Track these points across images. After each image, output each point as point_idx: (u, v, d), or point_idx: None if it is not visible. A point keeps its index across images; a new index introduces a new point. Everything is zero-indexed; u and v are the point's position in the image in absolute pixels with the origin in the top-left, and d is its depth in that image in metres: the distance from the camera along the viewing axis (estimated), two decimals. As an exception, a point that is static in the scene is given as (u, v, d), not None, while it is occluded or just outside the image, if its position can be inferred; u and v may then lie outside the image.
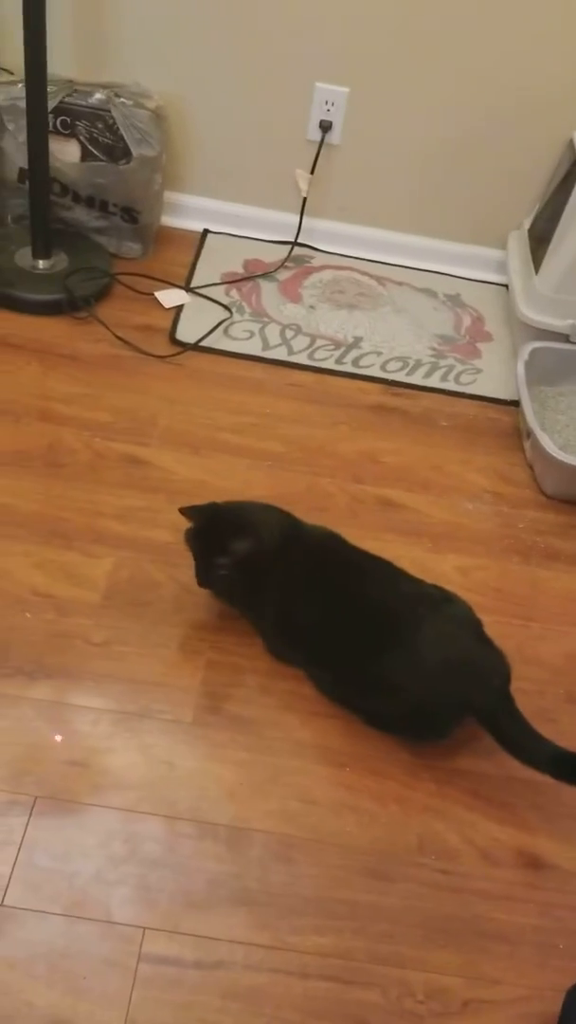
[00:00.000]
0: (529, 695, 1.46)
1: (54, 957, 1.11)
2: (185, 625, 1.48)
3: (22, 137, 1.96)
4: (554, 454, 1.74)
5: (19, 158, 2.05)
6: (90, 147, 2.07)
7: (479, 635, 1.38)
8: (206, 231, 2.35)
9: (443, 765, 1.36)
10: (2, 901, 1.14)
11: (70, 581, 1.51)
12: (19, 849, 1.19)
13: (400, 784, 1.33)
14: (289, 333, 2.10)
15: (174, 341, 2.01)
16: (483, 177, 2.24)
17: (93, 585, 1.51)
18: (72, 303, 2.01)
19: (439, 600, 1.40)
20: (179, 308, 2.10)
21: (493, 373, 2.10)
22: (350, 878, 1.22)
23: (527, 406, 1.86)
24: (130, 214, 2.15)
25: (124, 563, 1.55)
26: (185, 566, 1.55)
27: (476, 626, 1.39)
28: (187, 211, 2.34)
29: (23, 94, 1.86)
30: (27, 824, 1.21)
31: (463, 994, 1.14)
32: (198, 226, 2.36)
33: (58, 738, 1.30)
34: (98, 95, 2.03)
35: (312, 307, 2.19)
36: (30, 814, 1.22)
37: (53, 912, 1.14)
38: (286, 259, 2.30)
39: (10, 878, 1.16)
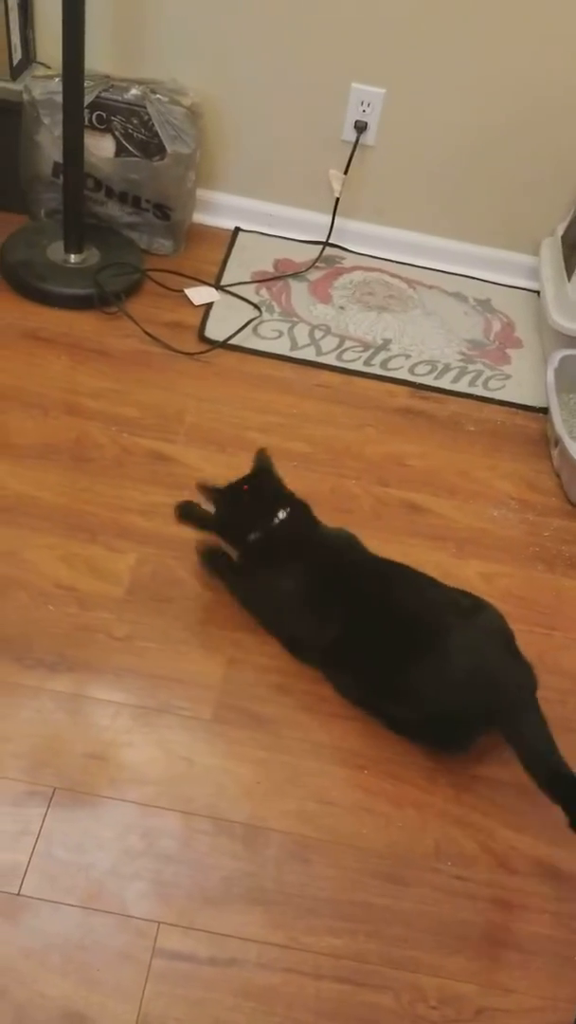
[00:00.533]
0: (551, 704, 1.45)
1: (69, 948, 1.11)
2: (207, 622, 1.48)
3: (57, 131, 1.97)
4: (582, 462, 1.73)
5: (54, 152, 2.06)
6: (125, 143, 2.08)
7: (509, 646, 1.37)
8: (238, 229, 2.36)
9: (462, 771, 1.35)
10: (19, 891, 1.15)
11: (93, 575, 1.51)
12: (37, 839, 1.19)
13: (418, 789, 1.32)
14: (318, 333, 2.10)
15: (203, 339, 2.02)
16: (517, 182, 2.23)
17: (116, 579, 1.51)
18: (103, 298, 2.02)
19: (469, 608, 1.39)
20: (209, 306, 2.11)
21: (522, 379, 2.09)
22: (366, 881, 1.22)
23: (556, 414, 1.85)
24: (162, 211, 2.15)
25: (148, 559, 1.55)
26: (209, 563, 1.56)
27: (506, 636, 1.38)
28: (219, 209, 2.34)
29: (60, 88, 1.87)
30: (45, 815, 1.22)
31: (476, 1002, 1.13)
32: (230, 224, 2.36)
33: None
34: (134, 91, 2.04)
35: (342, 308, 2.18)
36: (48, 805, 1.23)
37: (69, 903, 1.15)
38: (317, 259, 2.30)
39: (27, 868, 1.17)
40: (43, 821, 1.21)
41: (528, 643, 1.53)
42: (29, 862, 1.17)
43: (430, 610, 1.37)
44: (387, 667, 1.34)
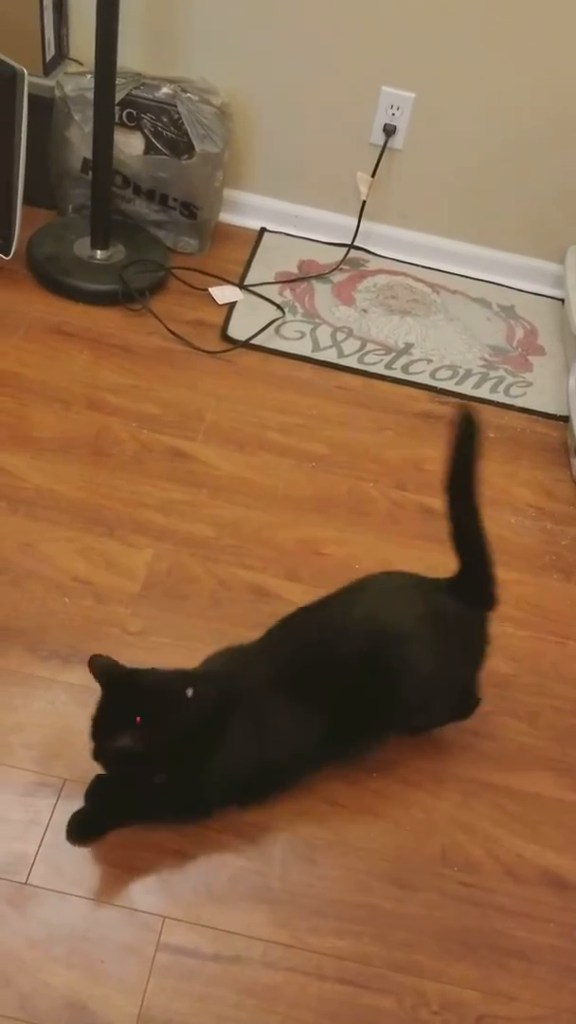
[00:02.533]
0: (562, 714, 1.45)
1: (74, 939, 1.12)
2: (221, 620, 1.49)
3: (88, 128, 1.99)
4: (601, 472, 1.72)
5: (83, 148, 2.07)
6: (154, 140, 2.09)
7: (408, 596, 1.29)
8: (263, 230, 2.36)
9: (471, 777, 1.35)
10: (26, 880, 1.16)
11: (110, 569, 1.52)
12: (45, 830, 1.20)
13: (427, 793, 1.32)
14: (340, 336, 2.10)
15: (225, 338, 2.02)
16: (545, 189, 2.22)
17: (132, 575, 1.52)
18: (127, 295, 2.03)
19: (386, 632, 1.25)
20: (232, 305, 2.11)
21: (544, 387, 2.08)
22: (371, 883, 1.22)
23: (576, 422, 1.84)
24: (189, 209, 2.16)
25: (164, 555, 1.56)
26: (224, 562, 1.57)
27: (405, 587, 1.31)
28: (245, 209, 2.35)
29: (91, 85, 1.89)
30: (55, 806, 1.23)
31: (479, 1008, 1.13)
32: (255, 224, 2.37)
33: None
34: (165, 89, 2.05)
35: (365, 311, 2.19)
36: (58, 796, 1.24)
37: (75, 895, 1.16)
38: (341, 262, 2.30)
39: (35, 858, 1.18)
40: (52, 812, 1.22)
41: (541, 652, 1.53)
42: (37, 852, 1.18)
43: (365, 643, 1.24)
44: (368, 708, 1.24)
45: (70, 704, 1.34)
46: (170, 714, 1.14)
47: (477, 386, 2.04)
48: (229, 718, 1.17)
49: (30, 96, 1.82)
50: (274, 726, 1.20)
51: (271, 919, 1.17)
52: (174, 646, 1.44)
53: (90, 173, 2.02)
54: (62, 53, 2.16)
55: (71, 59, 2.18)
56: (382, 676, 1.22)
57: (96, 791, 1.22)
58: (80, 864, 1.18)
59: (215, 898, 1.18)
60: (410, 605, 1.27)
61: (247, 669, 1.24)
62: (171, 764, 1.15)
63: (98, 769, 1.21)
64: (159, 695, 1.15)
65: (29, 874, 1.16)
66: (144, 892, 1.17)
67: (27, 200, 1.95)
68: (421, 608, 1.26)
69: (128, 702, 1.14)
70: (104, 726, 1.14)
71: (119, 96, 1.99)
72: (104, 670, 1.15)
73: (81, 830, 1.19)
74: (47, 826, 1.21)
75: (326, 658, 1.23)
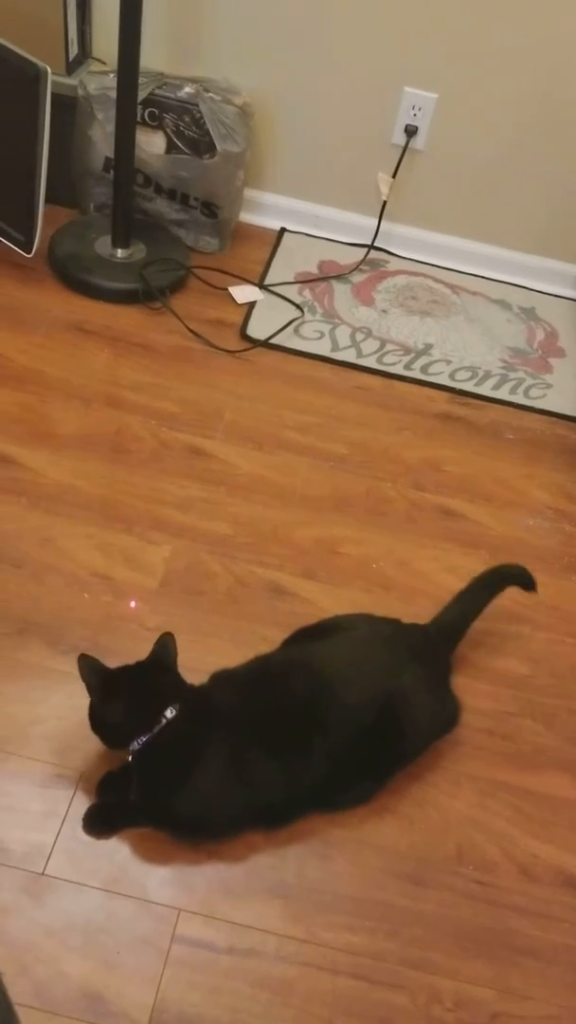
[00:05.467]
0: (579, 714, 1.45)
1: (91, 930, 1.13)
2: (238, 617, 1.49)
3: (110, 127, 2.00)
4: (620, 474, 1.72)
5: (105, 147, 2.09)
6: (175, 140, 2.10)
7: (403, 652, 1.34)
8: (283, 230, 2.37)
9: (487, 777, 1.35)
10: (43, 870, 1.17)
11: (128, 565, 1.53)
12: (63, 822, 1.21)
13: (442, 792, 1.33)
14: (359, 336, 2.10)
15: (245, 337, 2.03)
16: (567, 192, 2.22)
17: (151, 571, 1.53)
18: (147, 293, 2.04)
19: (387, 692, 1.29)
20: (252, 304, 2.12)
21: (564, 389, 2.08)
22: (386, 880, 1.23)
23: (595, 424, 1.84)
24: (210, 209, 2.17)
25: (182, 551, 1.57)
26: (242, 560, 1.58)
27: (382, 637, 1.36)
28: (266, 209, 2.36)
29: (114, 84, 1.90)
30: (72, 798, 1.24)
31: (492, 1006, 1.13)
32: (276, 224, 2.37)
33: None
34: (187, 89, 2.06)
35: (384, 311, 2.19)
36: (75, 788, 1.25)
37: (92, 886, 1.17)
38: (361, 262, 2.30)
39: (52, 849, 1.19)
40: (70, 804, 1.23)
41: (559, 654, 1.53)
42: (55, 843, 1.19)
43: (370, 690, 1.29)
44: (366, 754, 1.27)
45: (88, 698, 1.34)
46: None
47: (496, 387, 2.04)
48: (203, 750, 1.19)
49: (53, 95, 1.83)
50: (256, 770, 1.20)
51: (285, 914, 1.18)
52: (192, 642, 1.44)
53: (112, 172, 2.03)
54: (85, 52, 2.18)
55: (94, 58, 2.19)
56: (387, 734, 1.26)
57: (106, 786, 1.24)
58: (97, 855, 1.19)
59: (230, 892, 1.18)
60: (397, 655, 1.32)
61: (233, 705, 1.25)
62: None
63: (111, 764, 1.23)
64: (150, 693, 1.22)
65: (46, 864, 1.17)
66: (160, 885, 1.18)
67: (49, 198, 1.96)
68: (407, 655, 1.32)
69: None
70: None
71: (141, 95, 2.00)
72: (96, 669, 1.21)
73: (97, 823, 1.21)
74: (64, 817, 1.22)
75: (321, 714, 1.24)
